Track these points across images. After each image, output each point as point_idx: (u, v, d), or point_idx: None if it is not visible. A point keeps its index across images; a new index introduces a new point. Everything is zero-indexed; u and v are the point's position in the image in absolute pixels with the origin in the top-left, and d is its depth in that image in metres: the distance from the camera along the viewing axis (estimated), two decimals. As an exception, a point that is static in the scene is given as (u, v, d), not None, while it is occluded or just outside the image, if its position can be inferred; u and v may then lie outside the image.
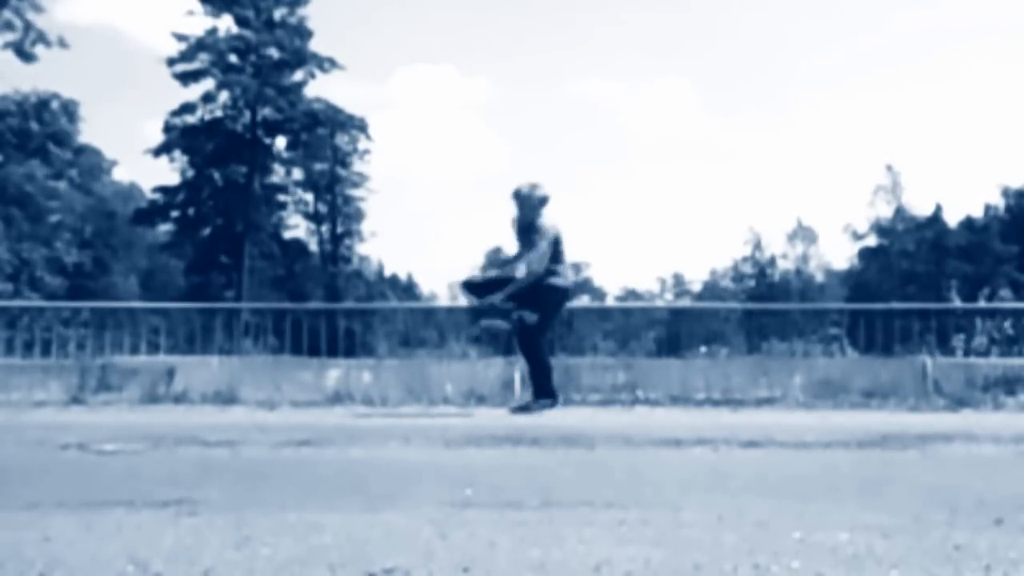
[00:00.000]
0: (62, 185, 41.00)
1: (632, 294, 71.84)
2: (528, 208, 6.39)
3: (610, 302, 70.73)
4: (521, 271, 6.32)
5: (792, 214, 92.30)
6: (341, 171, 44.66)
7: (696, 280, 67.63)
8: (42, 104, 41.10)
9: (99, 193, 48.54)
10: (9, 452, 3.89)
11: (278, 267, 42.99)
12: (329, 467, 3.38)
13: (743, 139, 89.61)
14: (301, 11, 41.79)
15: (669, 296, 68.26)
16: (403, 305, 45.66)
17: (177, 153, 41.29)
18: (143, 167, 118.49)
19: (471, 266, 59.59)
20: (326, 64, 41.83)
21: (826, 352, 11.66)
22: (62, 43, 32.90)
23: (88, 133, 43.79)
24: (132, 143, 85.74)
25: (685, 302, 63.99)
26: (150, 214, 42.77)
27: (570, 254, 6.50)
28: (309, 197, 45.06)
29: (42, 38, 32.19)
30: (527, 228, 6.40)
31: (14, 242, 37.30)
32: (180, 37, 40.21)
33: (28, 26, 31.98)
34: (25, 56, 32.50)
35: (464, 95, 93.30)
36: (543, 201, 6.40)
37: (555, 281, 6.34)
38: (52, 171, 40.59)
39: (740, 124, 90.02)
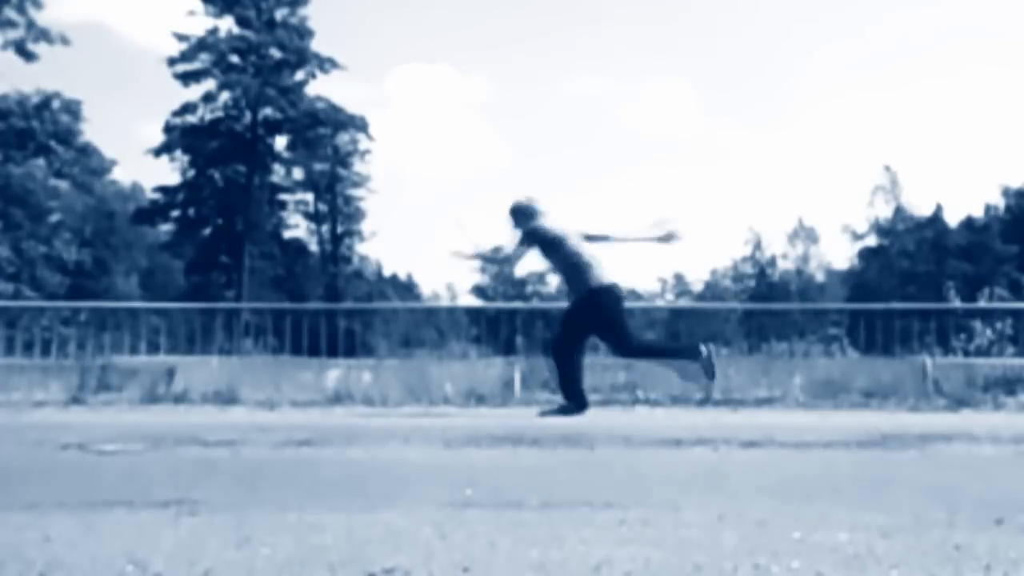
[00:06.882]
0: (63, 184, 41.01)
1: (632, 294, 71.65)
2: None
3: (610, 302, 70.38)
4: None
5: (792, 214, 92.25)
6: (341, 171, 44.70)
7: (697, 280, 67.51)
8: (44, 103, 41.09)
9: (99, 193, 48.53)
10: (9, 452, 3.89)
11: (278, 267, 43.02)
12: (329, 467, 3.38)
13: (742, 139, 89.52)
14: (302, 11, 41.84)
15: (670, 296, 68.03)
16: (403, 305, 45.68)
17: (178, 153, 41.35)
18: (143, 167, 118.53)
19: (470, 266, 59.62)
20: (327, 64, 41.87)
21: (826, 352, 11.70)
22: (64, 40, 32.85)
23: (87, 132, 43.68)
24: (132, 143, 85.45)
25: (686, 302, 63.96)
26: (150, 214, 42.83)
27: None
28: (309, 197, 45.14)
29: (44, 35, 32.14)
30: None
31: (15, 241, 37.32)
32: (181, 37, 40.27)
33: (31, 24, 31.95)
34: (26, 55, 32.47)
35: (462, 94, 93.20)
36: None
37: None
38: (53, 170, 40.60)
39: (739, 124, 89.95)
